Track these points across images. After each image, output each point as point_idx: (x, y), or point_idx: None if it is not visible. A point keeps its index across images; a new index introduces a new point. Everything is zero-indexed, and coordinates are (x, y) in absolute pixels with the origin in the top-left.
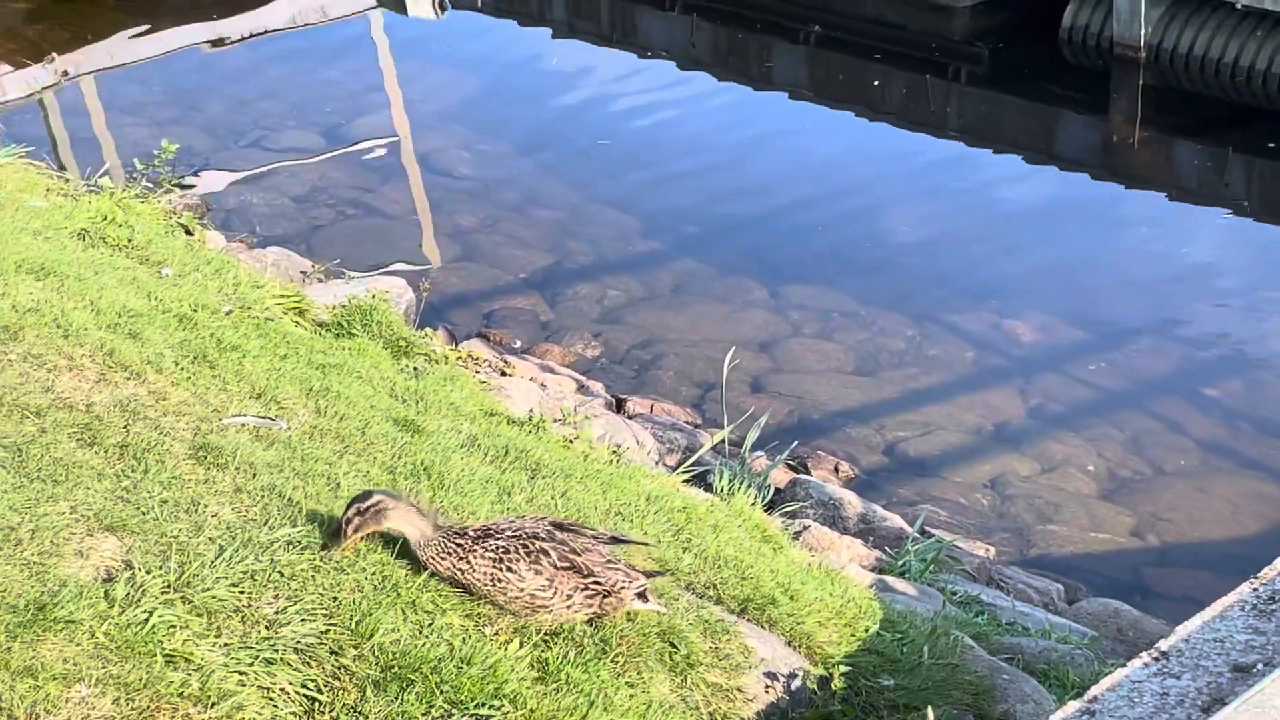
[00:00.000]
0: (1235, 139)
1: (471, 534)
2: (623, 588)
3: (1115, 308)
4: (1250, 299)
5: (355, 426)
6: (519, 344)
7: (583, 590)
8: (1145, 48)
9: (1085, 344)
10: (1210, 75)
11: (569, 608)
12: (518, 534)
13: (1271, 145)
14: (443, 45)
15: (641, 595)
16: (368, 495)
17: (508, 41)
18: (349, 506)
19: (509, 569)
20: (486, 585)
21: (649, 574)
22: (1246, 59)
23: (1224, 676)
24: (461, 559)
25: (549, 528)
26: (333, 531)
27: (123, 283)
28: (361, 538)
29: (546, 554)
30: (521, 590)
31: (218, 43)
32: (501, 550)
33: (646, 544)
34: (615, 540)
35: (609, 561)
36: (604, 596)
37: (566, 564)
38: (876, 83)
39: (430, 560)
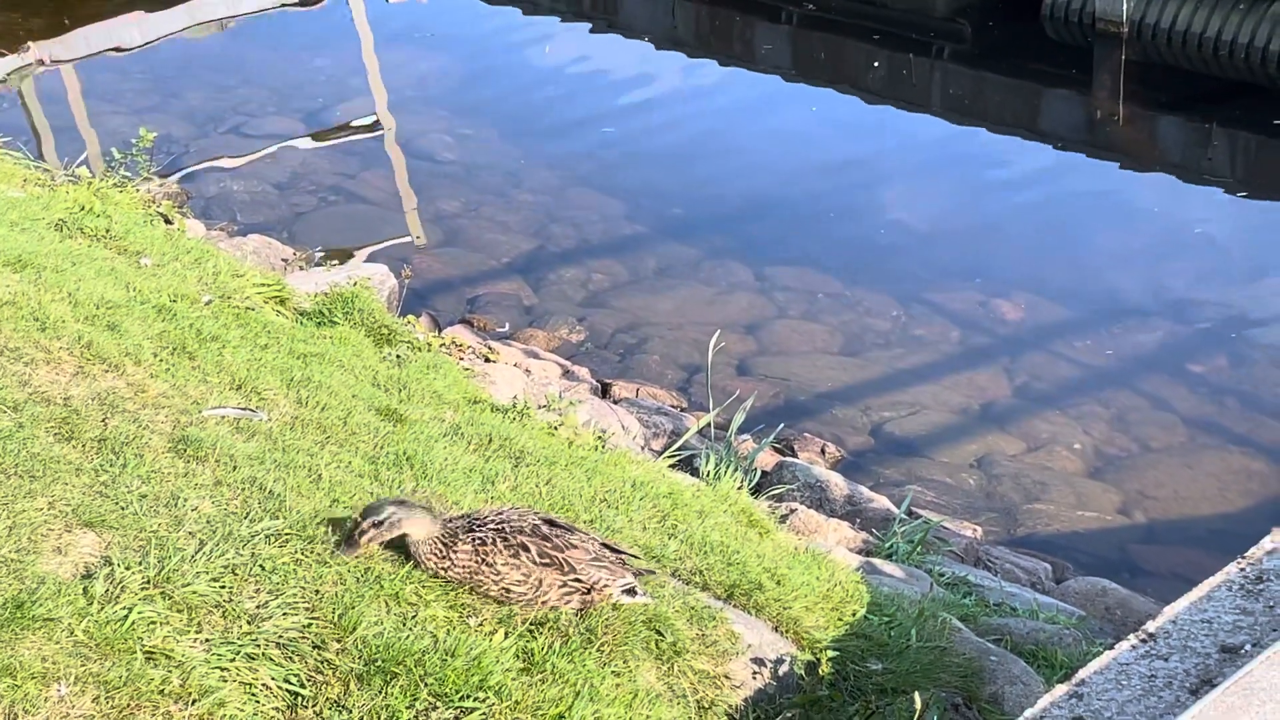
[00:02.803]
0: (1219, 114)
1: (459, 529)
2: (605, 585)
3: (1100, 285)
4: (1235, 274)
5: (337, 417)
6: (503, 329)
7: (561, 587)
8: (1128, 23)
9: (1071, 322)
10: (1193, 50)
11: (545, 602)
12: (500, 527)
13: (1256, 119)
14: (423, 28)
15: (629, 591)
16: (380, 508)
17: (488, 24)
18: (363, 517)
19: (485, 563)
20: (466, 578)
21: (639, 572)
22: (1229, 33)
23: (1212, 658)
24: (444, 557)
25: (537, 523)
26: (345, 539)
27: (101, 274)
28: (373, 549)
29: (526, 549)
30: (497, 583)
31: (196, 29)
32: (479, 542)
33: (637, 557)
34: (605, 548)
35: (595, 559)
36: (584, 593)
37: (546, 560)
38: (859, 61)
39: (421, 559)
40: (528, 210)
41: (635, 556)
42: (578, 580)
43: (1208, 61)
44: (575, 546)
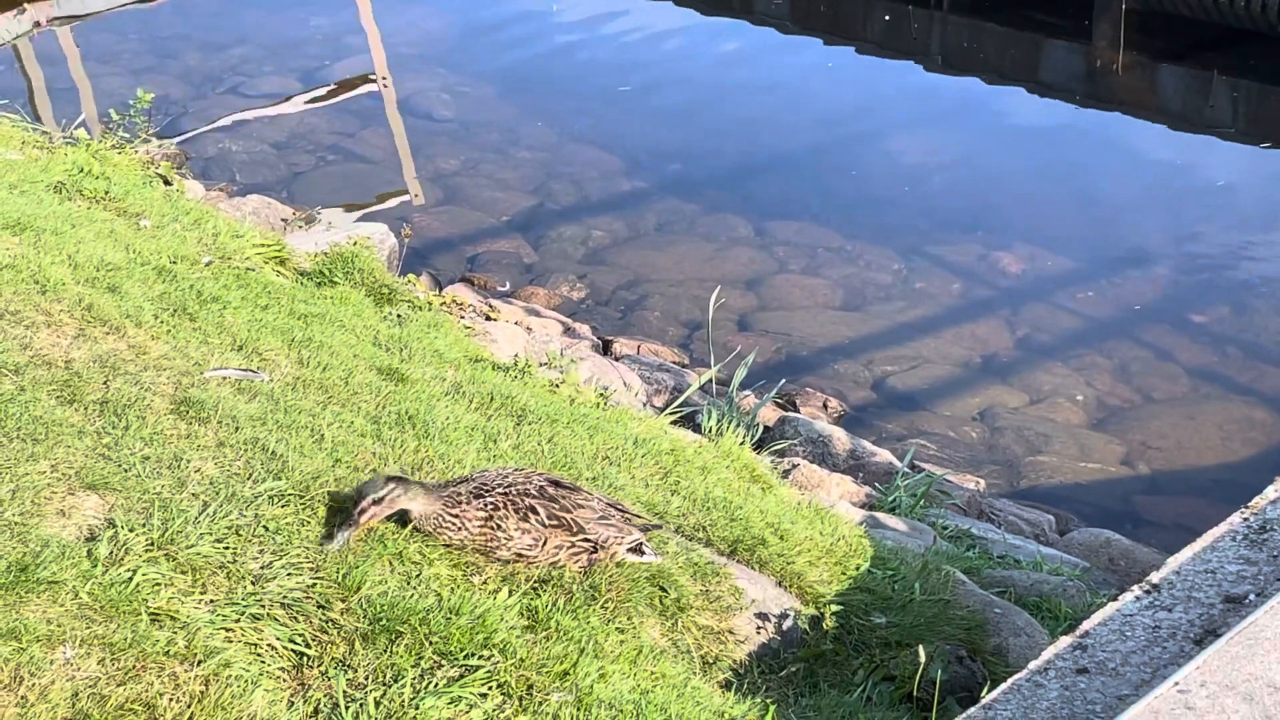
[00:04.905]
0: (1219, 62)
1: (465, 496)
2: (613, 542)
3: (1101, 236)
4: (1238, 223)
5: (338, 376)
6: (503, 287)
7: (570, 549)
8: None
9: (1072, 273)
10: None
11: (555, 563)
12: (508, 491)
13: (1257, 67)
14: None
15: (636, 549)
16: (378, 484)
17: None
18: (362, 495)
19: (497, 526)
20: (479, 544)
21: (646, 527)
22: None
23: (1216, 608)
24: (460, 529)
25: (542, 484)
26: (340, 522)
27: (100, 236)
28: (373, 526)
29: (535, 511)
30: (510, 549)
31: None
32: (492, 508)
33: (641, 516)
34: (611, 507)
35: (602, 517)
36: (592, 552)
37: (555, 522)
38: (858, 14)
39: (432, 533)
40: (527, 167)
41: (640, 516)
42: (586, 540)
43: (1208, 9)
44: (582, 506)
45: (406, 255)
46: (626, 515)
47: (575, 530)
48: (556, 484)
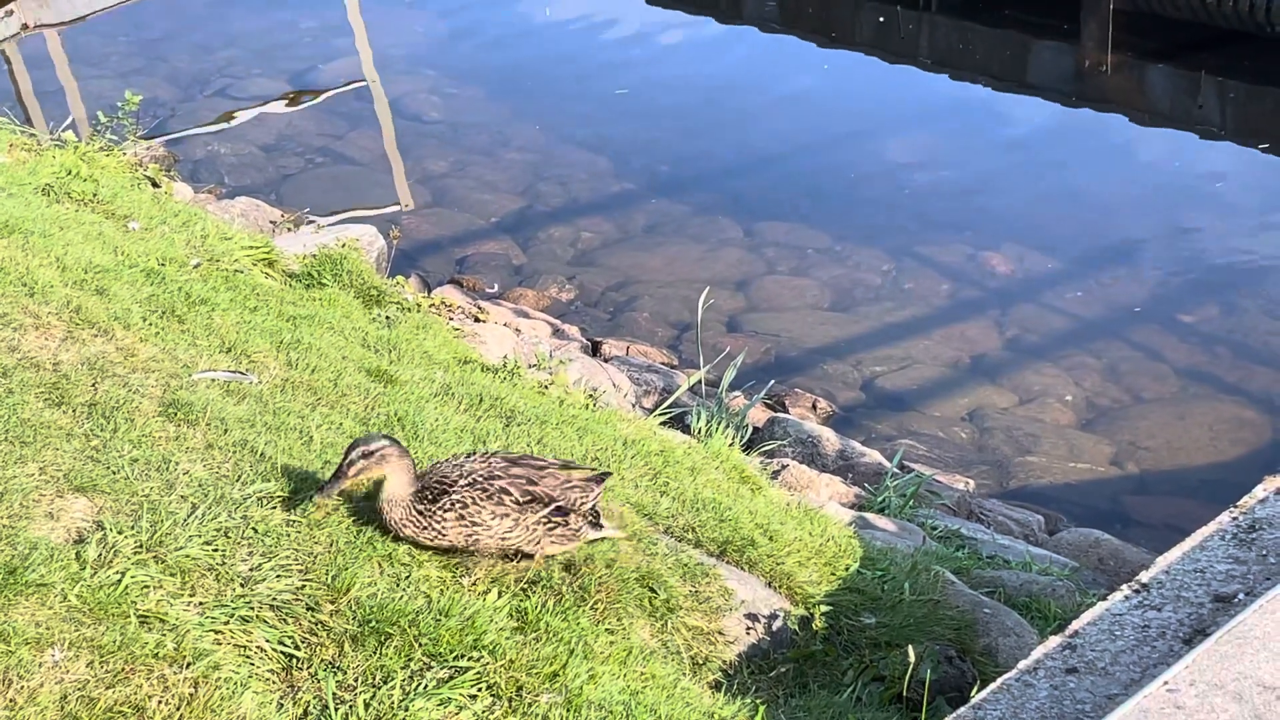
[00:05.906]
0: (1207, 62)
1: (430, 494)
2: (580, 502)
3: (1090, 236)
4: (1227, 223)
5: (327, 378)
6: (492, 289)
7: (547, 524)
8: None
9: (1061, 273)
10: None
11: (534, 542)
12: (472, 480)
13: (1244, 67)
14: None
15: (595, 523)
16: (372, 439)
17: None
18: (352, 448)
19: (473, 522)
20: (462, 543)
21: (600, 477)
22: None
23: (1205, 607)
24: (427, 527)
25: (501, 464)
26: (332, 475)
27: (88, 238)
28: (360, 481)
29: (508, 492)
30: (491, 536)
31: None
32: (460, 505)
33: (590, 469)
34: (566, 467)
35: (565, 482)
36: (565, 522)
37: (528, 497)
38: (846, 15)
39: (393, 523)
40: (515, 169)
41: (588, 469)
42: (560, 508)
43: (1196, 10)
44: (544, 474)
45: (395, 257)
46: (583, 479)
47: (548, 501)
48: (513, 461)
